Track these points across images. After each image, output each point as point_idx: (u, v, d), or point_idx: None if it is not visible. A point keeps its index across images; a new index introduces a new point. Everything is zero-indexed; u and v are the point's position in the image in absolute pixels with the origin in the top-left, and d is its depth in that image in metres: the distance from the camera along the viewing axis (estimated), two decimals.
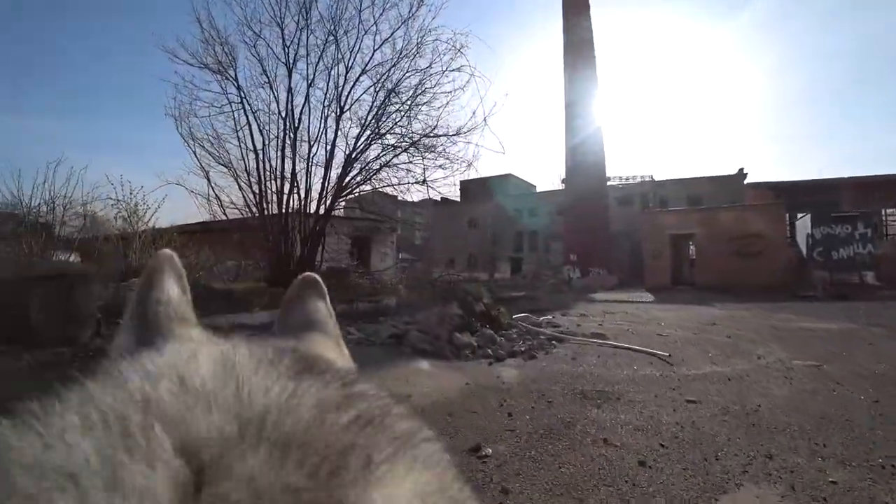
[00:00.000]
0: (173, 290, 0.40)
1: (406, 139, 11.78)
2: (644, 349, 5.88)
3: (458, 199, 49.15)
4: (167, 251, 0.44)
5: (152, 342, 0.32)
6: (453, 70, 11.66)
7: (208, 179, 11.56)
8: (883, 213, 30.84)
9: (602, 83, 34.37)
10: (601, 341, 6.83)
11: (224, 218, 11.76)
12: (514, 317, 7.76)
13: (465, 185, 49.48)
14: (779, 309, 12.74)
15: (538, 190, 45.85)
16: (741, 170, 38.48)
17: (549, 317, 10.54)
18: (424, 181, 12.08)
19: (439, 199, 47.51)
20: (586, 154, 32.83)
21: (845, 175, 34.55)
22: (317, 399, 0.24)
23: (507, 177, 47.39)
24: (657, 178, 38.13)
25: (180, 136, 11.41)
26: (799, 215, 26.17)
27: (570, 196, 33.49)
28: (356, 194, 12.65)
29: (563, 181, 35.12)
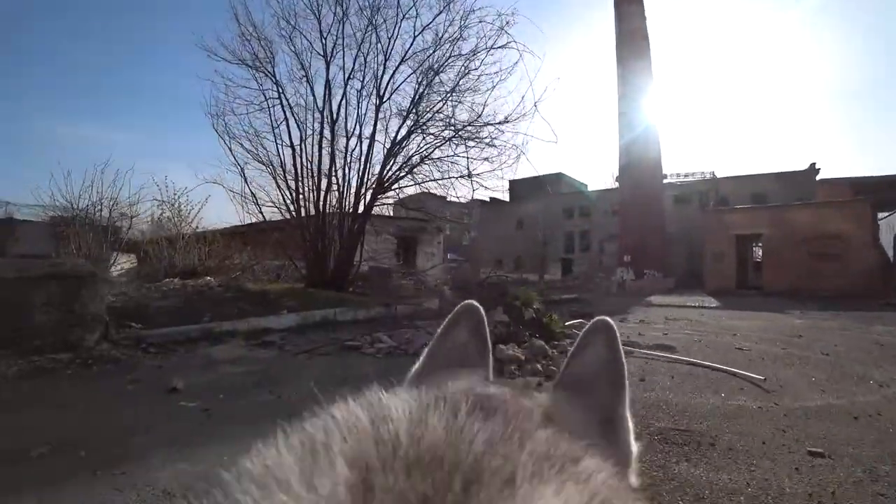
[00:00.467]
0: (461, 337, 0.48)
1: (449, 128, 10.88)
2: (730, 369, 4.76)
3: (506, 199, 48.15)
4: (470, 303, 0.50)
5: (426, 378, 0.42)
6: (499, 47, 10.68)
7: (244, 176, 11.13)
8: None
9: (657, 75, 32.41)
10: (671, 356, 5.72)
11: (262, 217, 11.30)
12: (566, 323, 6.74)
13: (514, 185, 48.18)
14: (872, 320, 11.05)
15: (591, 189, 43.99)
16: (813, 165, 35.51)
17: None
18: (469, 175, 11.16)
19: (487, 200, 46.59)
20: (641, 150, 31.01)
21: None
22: (452, 420, 0.26)
23: (559, 176, 45.84)
24: (718, 174, 35.60)
25: (216, 133, 11.02)
26: (881, 214, 23.57)
27: (625, 195, 31.75)
28: (397, 191, 11.86)
29: (616, 179, 33.34)
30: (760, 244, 24.83)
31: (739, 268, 23.49)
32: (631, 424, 0.42)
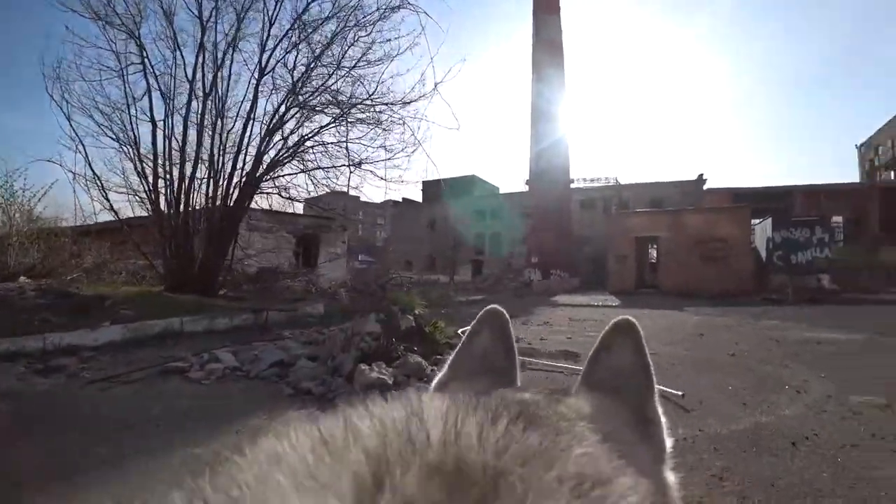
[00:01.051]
0: (485, 343, 0.47)
1: (336, 107, 9.48)
2: None
3: (419, 199, 47.34)
4: (495, 307, 0.49)
5: (451, 387, 0.41)
6: (394, 7, 9.30)
7: (86, 156, 8.99)
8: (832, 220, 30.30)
9: (570, 85, 32.96)
10: (576, 367, 4.92)
11: (108, 206, 9.15)
12: (461, 330, 5.79)
13: (427, 186, 47.48)
14: (758, 315, 11.23)
15: (503, 192, 44.21)
16: (700, 175, 37.80)
17: None
18: (360, 163, 9.92)
19: (400, 200, 45.50)
20: (551, 156, 31.37)
21: (797, 183, 34.78)
22: (482, 429, 0.25)
23: (471, 178, 45.68)
24: (621, 181, 36.97)
25: (52, 98, 8.90)
26: (754, 221, 25.28)
27: (535, 198, 31.98)
28: (288, 183, 10.30)
29: (527, 183, 33.56)
30: (656, 246, 25.78)
31: (639, 269, 24.16)
32: (664, 420, 0.41)
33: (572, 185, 33.82)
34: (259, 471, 0.21)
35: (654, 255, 29.00)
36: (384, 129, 9.47)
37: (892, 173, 43.69)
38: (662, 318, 10.95)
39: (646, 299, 17.55)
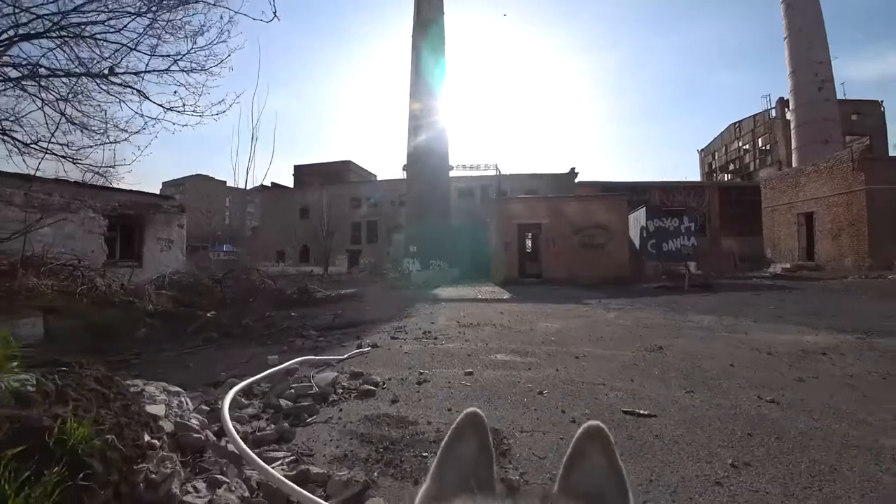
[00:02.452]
0: (470, 451, 0.45)
1: None
2: None
3: (290, 185, 42.07)
4: (475, 412, 0.48)
5: (443, 497, 0.40)
6: None
7: None
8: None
9: (451, 71, 30.32)
10: None
11: None
12: (275, 368, 2.39)
13: (300, 171, 42.36)
14: (675, 307, 9.15)
15: (380, 178, 40.54)
16: (573, 169, 37.53)
17: (366, 343, 5.42)
18: (112, 70, 5.64)
19: (269, 185, 39.85)
20: (430, 141, 28.49)
21: (655, 180, 36.20)
22: None
23: (347, 164, 41.47)
24: (501, 168, 35.29)
25: None
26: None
27: (412, 184, 28.89)
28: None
29: (404, 168, 30.35)
30: (536, 234, 24.13)
31: (521, 257, 22.23)
32: None
33: (451, 173, 31.31)
34: None
35: (529, 244, 27.76)
36: (154, 16, 5.28)
37: (725, 175, 47.83)
38: (573, 315, 8.33)
39: (534, 290, 15.27)
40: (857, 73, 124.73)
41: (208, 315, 8.17)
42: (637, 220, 23.77)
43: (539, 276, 21.57)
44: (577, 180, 36.25)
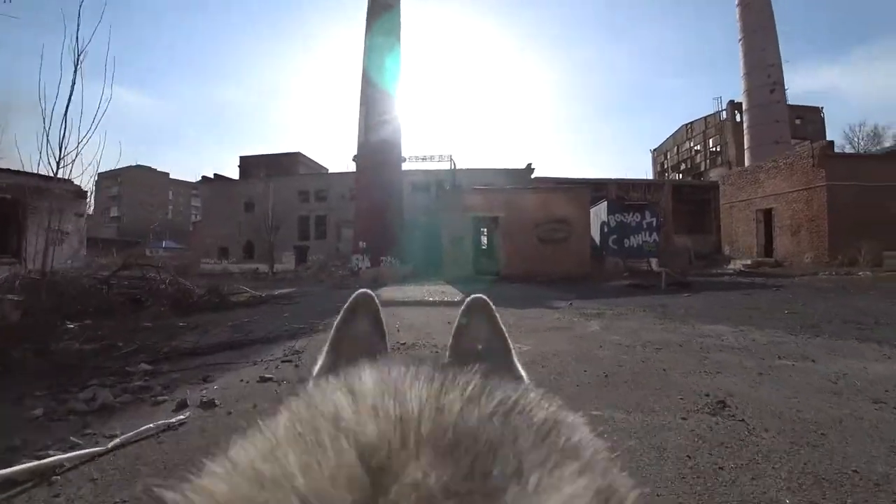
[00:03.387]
0: (364, 326, 0.45)
1: None
2: None
3: (235, 177, 38.27)
4: (366, 291, 0.48)
5: (339, 370, 0.36)
6: None
7: None
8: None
9: (406, 60, 27.75)
10: None
11: None
12: None
13: (246, 162, 38.64)
14: (665, 310, 7.04)
15: (331, 171, 37.40)
16: (529, 164, 35.73)
17: (204, 395, 2.89)
18: None
19: (212, 176, 36.10)
20: (381, 132, 25.91)
21: (610, 177, 34.95)
22: (460, 393, 0.24)
23: (295, 155, 38.14)
24: (456, 161, 32.95)
25: None
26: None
27: (363, 177, 26.23)
28: None
29: (354, 159, 27.56)
30: (486, 229, 21.93)
31: (477, 252, 19.94)
32: (525, 375, 0.41)
33: (405, 166, 28.78)
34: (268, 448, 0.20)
35: (485, 239, 25.65)
36: None
37: (677, 175, 47.38)
38: (546, 327, 6.04)
39: (492, 289, 13.00)
40: (799, 81, 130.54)
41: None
42: (598, 214, 22.02)
43: (496, 273, 19.39)
44: (533, 176, 34.46)
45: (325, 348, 0.43)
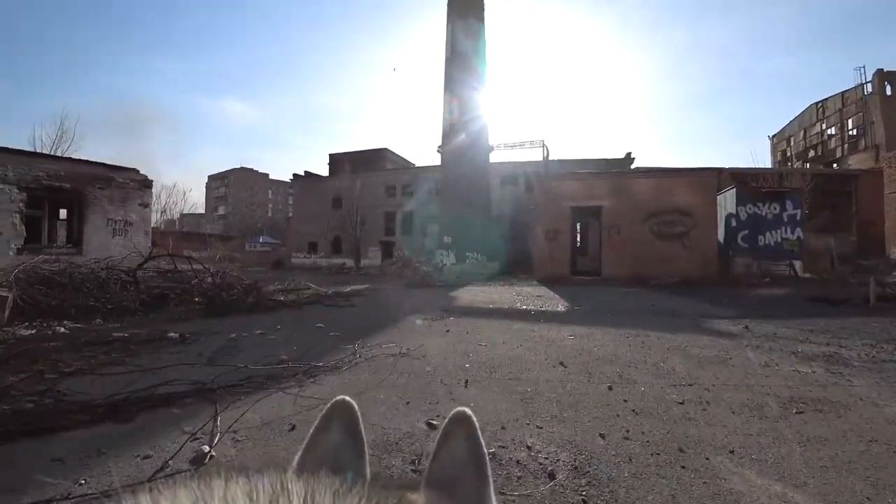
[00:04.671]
0: (335, 439, 0.42)
1: None
2: None
3: (324, 173, 37.93)
4: (343, 399, 0.45)
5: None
6: None
7: None
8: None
9: (492, 45, 25.07)
10: None
11: None
12: None
13: (335, 159, 38.13)
14: None
15: (417, 166, 35.68)
16: (629, 154, 31.33)
17: None
18: None
19: (303, 174, 35.97)
20: (467, 121, 23.47)
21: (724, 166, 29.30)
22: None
23: (382, 151, 36.92)
24: (547, 150, 29.51)
25: None
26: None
27: (447, 169, 23.94)
28: None
29: (438, 150, 25.31)
30: (585, 222, 18.47)
31: (574, 249, 16.70)
32: None
33: (493, 155, 26.02)
34: None
35: (578, 234, 22.10)
36: None
37: (804, 163, 39.78)
38: (747, 384, 3.05)
39: (599, 294, 9.90)
40: None
41: None
42: (722, 205, 17.73)
43: (596, 273, 16.04)
44: (632, 167, 30.05)
45: (296, 459, 0.40)
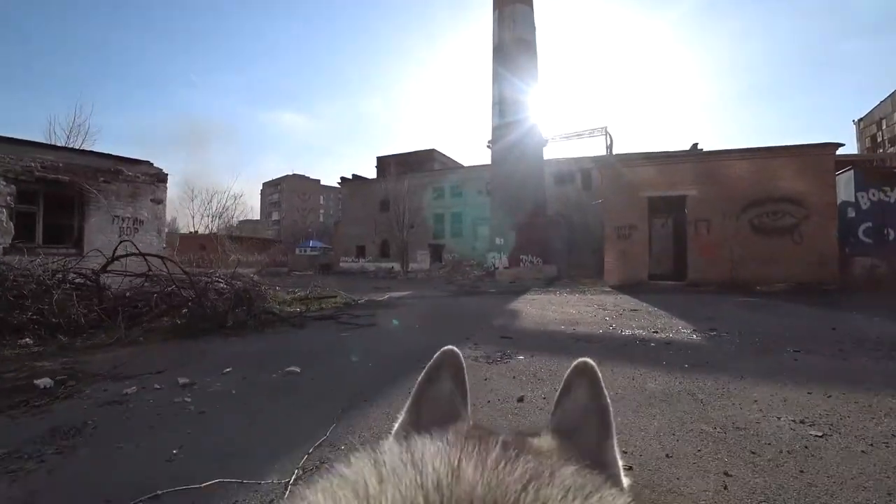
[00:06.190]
0: (446, 387, 0.41)
1: None
2: None
3: (372, 176, 36.38)
4: (451, 349, 0.44)
5: (419, 431, 0.35)
6: None
7: None
8: None
9: (541, 33, 22.38)
10: None
11: None
12: None
13: (383, 162, 36.46)
14: None
15: (466, 165, 33.31)
16: (695, 145, 27.44)
17: None
18: None
19: (351, 177, 34.54)
20: (518, 115, 20.98)
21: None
22: (484, 465, 0.24)
23: (430, 152, 34.90)
24: (611, 138, 26.27)
25: None
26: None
27: (497, 165, 21.51)
28: None
29: (488, 145, 22.84)
30: (664, 216, 15.29)
31: (652, 248, 13.66)
32: (621, 462, 0.36)
33: (549, 151, 23.24)
34: None
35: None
36: None
37: None
38: None
39: (711, 306, 7.11)
40: None
41: None
42: (838, 190, 14.18)
43: (678, 277, 13.00)
44: None
45: (407, 405, 0.40)
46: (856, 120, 38.25)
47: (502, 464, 0.24)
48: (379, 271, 28.17)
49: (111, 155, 10.53)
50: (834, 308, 6.76)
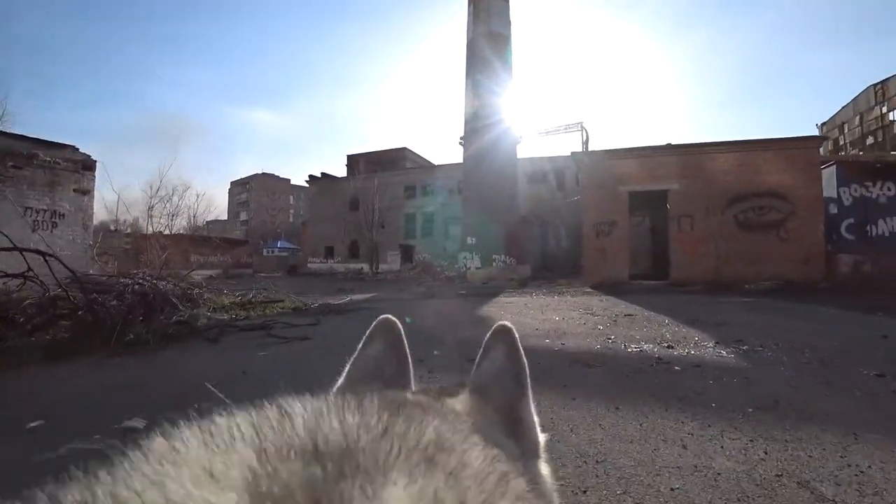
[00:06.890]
0: (378, 352, 0.42)
1: None
2: None
3: (341, 175, 34.74)
4: (387, 317, 0.45)
5: (347, 390, 0.35)
6: None
7: None
8: None
9: (516, 28, 21.33)
10: None
11: None
12: None
13: (353, 160, 34.85)
14: None
15: (437, 164, 32.02)
16: (669, 144, 26.91)
17: None
18: None
19: (319, 175, 32.81)
20: (491, 113, 19.81)
21: None
22: (351, 417, 0.24)
23: (402, 150, 33.51)
24: (587, 134, 25.39)
25: None
26: None
27: (470, 163, 20.27)
28: None
29: (460, 141, 21.62)
30: (644, 212, 14.34)
31: (633, 246, 12.64)
32: (536, 419, 0.38)
33: (522, 150, 22.18)
34: (155, 468, 0.19)
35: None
36: None
37: (860, 152, 34.42)
38: None
39: (714, 309, 6.02)
40: None
41: None
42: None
43: (661, 276, 12.05)
44: None
45: (345, 371, 0.40)
46: (819, 124, 38.75)
47: (358, 416, 0.23)
48: (348, 272, 26.52)
49: (24, 136, 8.78)
50: (851, 309, 5.76)
